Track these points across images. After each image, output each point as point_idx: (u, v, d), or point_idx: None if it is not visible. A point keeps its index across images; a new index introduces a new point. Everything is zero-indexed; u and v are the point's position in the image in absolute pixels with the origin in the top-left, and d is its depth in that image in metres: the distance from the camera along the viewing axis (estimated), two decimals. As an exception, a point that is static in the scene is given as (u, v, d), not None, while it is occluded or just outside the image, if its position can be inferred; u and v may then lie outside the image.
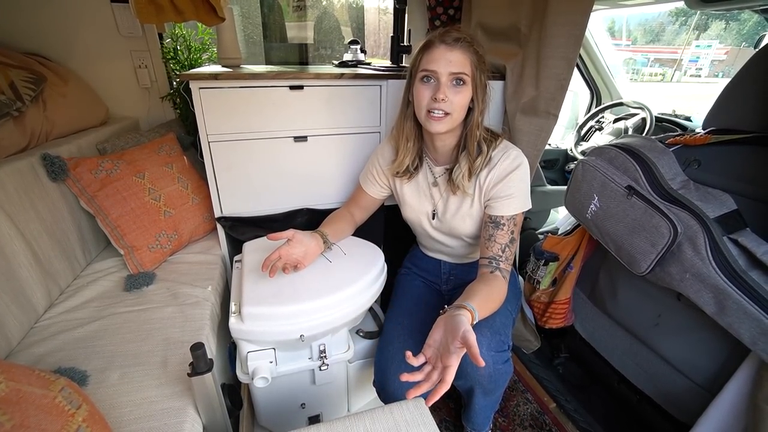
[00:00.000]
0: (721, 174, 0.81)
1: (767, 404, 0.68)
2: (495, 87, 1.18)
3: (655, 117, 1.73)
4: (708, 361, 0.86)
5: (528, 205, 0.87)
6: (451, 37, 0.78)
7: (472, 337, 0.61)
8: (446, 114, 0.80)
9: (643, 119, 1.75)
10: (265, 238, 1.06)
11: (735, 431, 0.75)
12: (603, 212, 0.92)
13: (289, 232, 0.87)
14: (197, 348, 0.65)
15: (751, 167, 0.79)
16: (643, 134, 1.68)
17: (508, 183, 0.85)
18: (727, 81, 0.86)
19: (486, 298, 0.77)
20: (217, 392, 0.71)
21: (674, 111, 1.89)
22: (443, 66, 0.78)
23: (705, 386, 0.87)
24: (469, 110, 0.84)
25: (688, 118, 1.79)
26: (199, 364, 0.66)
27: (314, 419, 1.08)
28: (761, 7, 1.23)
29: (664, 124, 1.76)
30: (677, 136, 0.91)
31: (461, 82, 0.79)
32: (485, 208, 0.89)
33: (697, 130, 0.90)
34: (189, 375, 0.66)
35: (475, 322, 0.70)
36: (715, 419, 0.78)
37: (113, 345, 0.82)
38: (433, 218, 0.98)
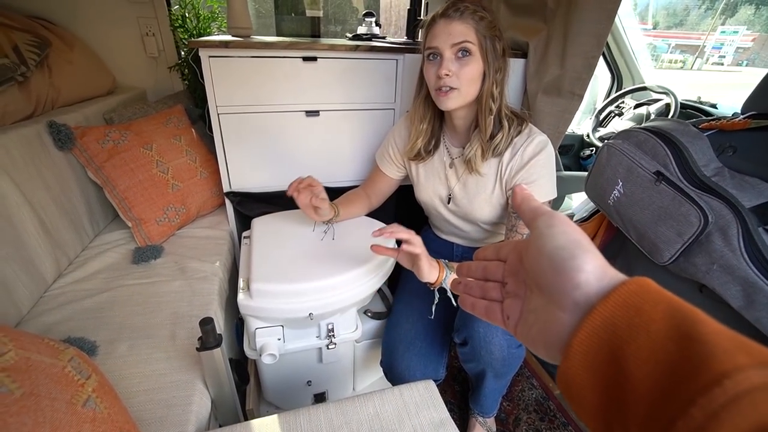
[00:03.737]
0: (760, 162, 0.76)
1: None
2: (516, 65, 1.12)
3: (680, 103, 1.65)
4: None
5: (553, 194, 0.82)
6: (451, 9, 0.74)
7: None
8: (452, 89, 0.77)
9: (667, 105, 1.67)
10: (275, 214, 1.05)
11: None
12: (627, 198, 0.88)
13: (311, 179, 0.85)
14: (206, 323, 0.64)
15: None
16: (667, 120, 1.61)
17: (530, 170, 0.81)
18: (751, 70, 0.80)
19: None
20: (225, 367, 0.71)
21: (699, 98, 1.81)
22: (443, 40, 0.74)
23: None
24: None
25: (713, 105, 1.71)
26: (208, 339, 0.65)
27: (320, 396, 1.09)
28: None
29: (689, 111, 1.68)
30: (712, 120, 0.86)
31: (467, 53, 0.75)
32: (508, 197, 0.85)
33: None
34: (198, 349, 0.65)
35: (444, 277, 0.77)
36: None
37: (122, 317, 0.82)
38: (449, 202, 0.95)
